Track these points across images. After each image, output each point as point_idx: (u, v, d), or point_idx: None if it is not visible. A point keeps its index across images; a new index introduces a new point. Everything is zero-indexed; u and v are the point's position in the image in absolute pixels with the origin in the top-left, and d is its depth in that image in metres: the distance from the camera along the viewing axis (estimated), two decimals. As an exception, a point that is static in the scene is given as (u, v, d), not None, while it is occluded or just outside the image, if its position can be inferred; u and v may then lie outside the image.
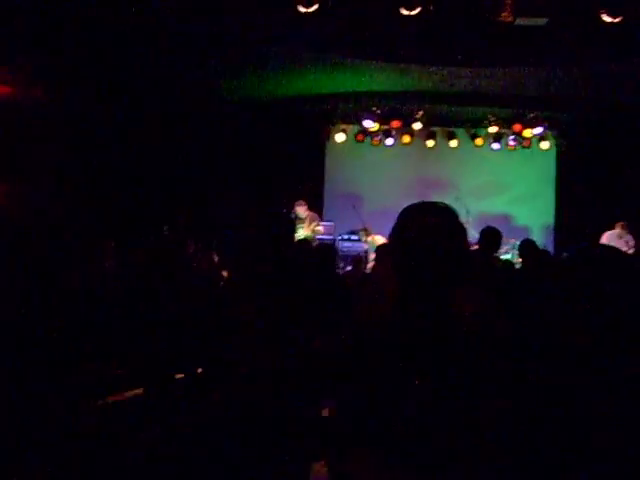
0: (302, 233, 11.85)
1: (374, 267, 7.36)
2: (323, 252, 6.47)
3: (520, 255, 7.85)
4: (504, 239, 12.78)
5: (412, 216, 2.44)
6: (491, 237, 6.55)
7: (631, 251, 11.33)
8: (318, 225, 12.35)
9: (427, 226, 2.34)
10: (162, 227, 10.06)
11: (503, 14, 8.15)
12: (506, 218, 14.82)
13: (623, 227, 12.12)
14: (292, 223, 4.71)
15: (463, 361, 2.32)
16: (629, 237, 12.09)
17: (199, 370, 4.29)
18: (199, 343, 4.08)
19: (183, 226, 10.39)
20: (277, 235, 4.14)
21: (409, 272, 2.36)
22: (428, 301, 2.37)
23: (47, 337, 4.68)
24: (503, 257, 12.42)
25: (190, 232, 9.61)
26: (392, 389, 2.39)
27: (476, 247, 6.97)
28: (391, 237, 2.51)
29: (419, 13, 8.33)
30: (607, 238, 12.19)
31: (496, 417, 2.42)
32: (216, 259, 8.45)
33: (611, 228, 12.30)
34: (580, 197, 14.02)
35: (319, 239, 12.46)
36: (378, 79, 11.84)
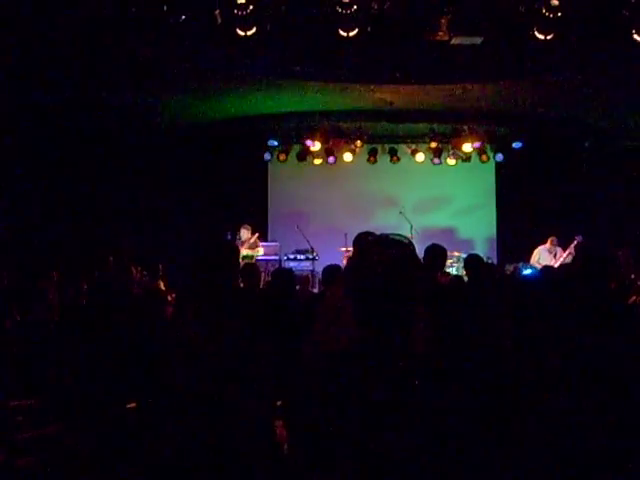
0: (242, 253, 11.80)
1: (325, 290, 7.36)
2: (280, 276, 6.47)
3: (466, 271, 7.93)
4: (448, 253, 13.02)
5: (372, 249, 2.47)
6: (436, 254, 6.59)
7: (558, 263, 11.61)
8: (255, 242, 12.31)
9: (388, 259, 2.37)
10: (106, 257, 9.94)
11: (439, 34, 8.29)
12: (450, 231, 15.02)
13: (552, 242, 12.48)
14: (234, 248, 4.70)
15: (423, 391, 2.35)
16: (558, 250, 12.43)
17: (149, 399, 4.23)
18: (148, 370, 4.04)
19: (128, 255, 10.28)
20: (219, 260, 4.13)
21: (370, 304, 2.38)
22: (387, 332, 2.39)
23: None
24: (448, 270, 12.58)
25: (135, 260, 9.53)
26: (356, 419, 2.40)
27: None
28: (350, 269, 2.54)
29: (357, 34, 8.41)
30: (538, 252, 12.55)
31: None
32: (162, 286, 8.38)
33: (544, 242, 12.63)
34: (519, 209, 14.31)
35: (264, 260, 12.46)
36: (319, 99, 11.91)
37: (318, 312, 5.02)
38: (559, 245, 12.49)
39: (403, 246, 2.56)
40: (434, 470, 2.38)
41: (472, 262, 7.46)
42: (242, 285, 6.14)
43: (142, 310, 5.74)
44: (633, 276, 9.49)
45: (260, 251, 12.14)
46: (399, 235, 2.61)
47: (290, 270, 7.69)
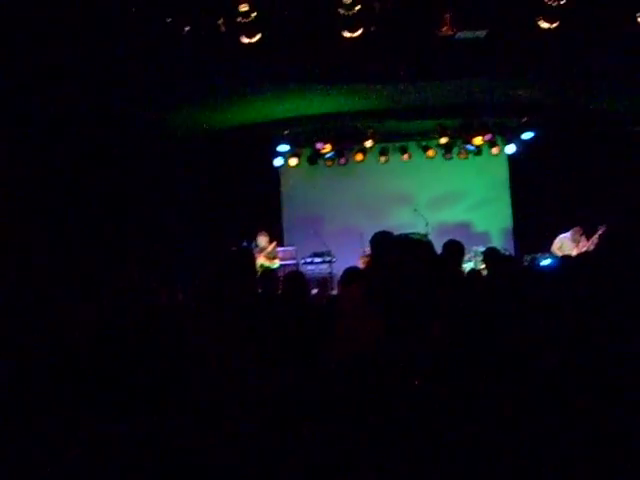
0: (259, 260, 11.79)
1: (342, 292, 7.35)
2: (293, 280, 6.47)
3: (485, 264, 7.90)
4: (465, 248, 12.98)
5: (393, 249, 2.48)
6: (454, 250, 6.58)
7: (578, 252, 11.54)
8: (271, 246, 12.28)
9: (411, 260, 2.38)
10: (126, 267, 9.97)
11: (443, 29, 8.27)
12: (465, 226, 14.99)
13: (576, 231, 12.35)
14: (249, 255, 4.70)
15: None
16: (582, 239, 12.32)
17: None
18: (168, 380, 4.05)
19: (144, 265, 10.30)
20: (235, 270, 4.14)
21: (395, 305, 2.40)
22: (409, 332, 2.40)
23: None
24: (466, 265, 12.56)
25: (152, 270, 9.55)
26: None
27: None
28: (372, 271, 2.55)
29: (361, 34, 8.41)
30: (561, 241, 12.44)
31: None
32: (180, 297, 8.38)
33: (567, 230, 12.51)
34: (535, 199, 14.23)
35: (283, 265, 12.47)
36: (327, 101, 11.92)
37: (336, 314, 5.02)
38: (585, 236, 12.37)
39: (424, 245, 2.57)
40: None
41: (490, 255, 7.45)
42: (260, 292, 6.16)
43: (169, 325, 5.75)
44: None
45: (277, 263, 12.11)
46: (417, 234, 2.62)
47: (300, 273, 7.69)
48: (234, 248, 12.83)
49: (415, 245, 2.50)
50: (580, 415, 3.34)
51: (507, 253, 13.11)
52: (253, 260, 4.72)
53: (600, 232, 11.83)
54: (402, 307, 2.52)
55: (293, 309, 5.96)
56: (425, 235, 12.21)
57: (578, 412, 3.32)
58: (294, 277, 6.66)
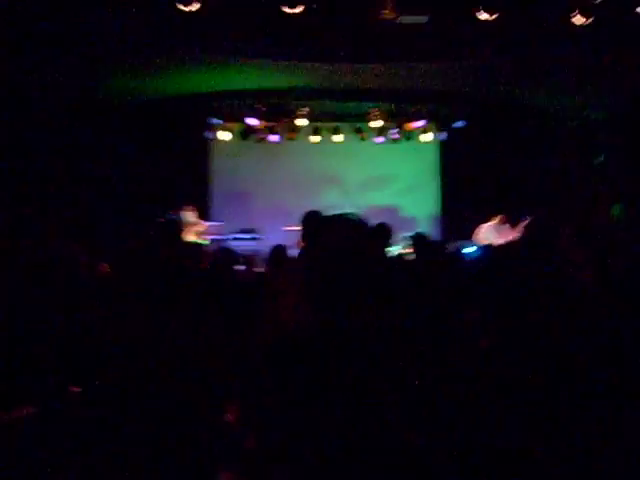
0: (187, 236, 11.56)
1: (271, 270, 7.27)
2: (221, 255, 6.38)
3: (413, 249, 7.93)
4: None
5: (328, 229, 2.43)
6: (383, 233, 6.57)
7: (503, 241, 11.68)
8: (200, 225, 12.04)
9: (344, 239, 2.33)
10: (46, 237, 9.63)
11: (385, 12, 8.24)
12: (393, 210, 15.07)
13: (501, 220, 12.46)
14: (177, 226, 4.58)
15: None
16: (506, 229, 12.45)
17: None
18: (92, 354, 3.92)
19: (68, 235, 9.99)
20: (161, 242, 4.04)
21: (327, 286, 2.34)
22: (345, 311, 2.36)
23: None
24: (392, 249, 12.63)
25: (75, 241, 9.25)
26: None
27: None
28: (304, 252, 2.49)
29: (302, 11, 8.30)
30: (483, 229, 12.57)
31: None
32: (104, 269, 8.15)
33: (489, 220, 12.66)
34: (463, 188, 14.40)
35: (211, 239, 12.30)
36: (262, 77, 11.76)
37: (265, 295, 4.96)
38: (510, 224, 12.51)
39: (358, 225, 2.52)
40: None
41: (419, 240, 7.47)
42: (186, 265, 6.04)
43: (90, 293, 5.58)
44: (573, 253, 9.61)
45: (207, 241, 11.86)
46: (351, 214, 2.57)
47: (230, 249, 7.59)
48: (162, 219, 12.64)
49: (350, 224, 2.44)
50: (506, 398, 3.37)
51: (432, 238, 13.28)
52: (180, 232, 4.61)
53: (525, 223, 11.97)
54: (339, 289, 2.46)
55: (219, 284, 5.87)
56: (358, 216, 12.19)
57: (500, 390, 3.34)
58: (223, 252, 6.57)
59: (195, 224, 11.84)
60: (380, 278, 4.70)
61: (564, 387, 3.55)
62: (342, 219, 2.55)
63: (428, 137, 14.71)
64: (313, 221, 4.65)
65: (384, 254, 6.42)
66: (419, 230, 14.03)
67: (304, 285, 2.70)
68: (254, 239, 12.98)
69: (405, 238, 13.27)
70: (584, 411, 3.10)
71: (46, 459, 3.17)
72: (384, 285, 4.56)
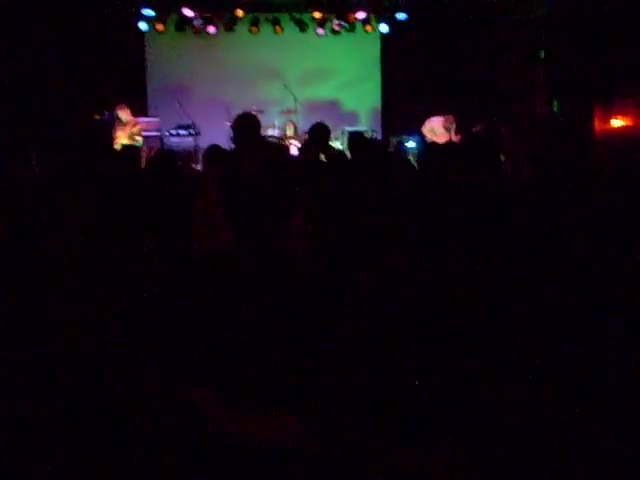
0: (121, 138, 11.22)
1: (205, 170, 7.15)
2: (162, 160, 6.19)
3: (350, 149, 7.86)
4: (331, 126, 12.91)
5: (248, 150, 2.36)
6: (319, 133, 6.49)
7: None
8: (135, 127, 11.62)
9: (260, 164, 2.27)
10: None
11: None
12: (334, 103, 14.90)
13: (449, 120, 12.30)
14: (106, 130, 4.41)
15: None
16: (453, 129, 12.37)
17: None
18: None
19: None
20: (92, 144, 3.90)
21: (243, 208, 2.30)
22: (258, 235, 2.32)
23: None
24: (333, 144, 12.55)
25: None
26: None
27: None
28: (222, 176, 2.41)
29: None
30: (432, 123, 12.44)
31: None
32: (36, 170, 7.93)
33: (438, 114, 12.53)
34: (404, 82, 14.22)
35: (145, 136, 12.00)
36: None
37: (198, 194, 4.86)
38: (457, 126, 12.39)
39: (275, 148, 2.46)
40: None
41: (355, 139, 7.39)
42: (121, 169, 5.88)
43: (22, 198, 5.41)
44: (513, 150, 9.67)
45: (139, 141, 11.46)
46: (271, 137, 2.50)
47: (172, 152, 7.41)
48: (97, 117, 12.26)
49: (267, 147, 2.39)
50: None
51: (374, 135, 13.21)
52: (109, 135, 4.46)
53: (475, 129, 11.92)
54: (252, 210, 2.42)
55: (158, 187, 5.74)
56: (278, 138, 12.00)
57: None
58: (163, 157, 6.39)
59: (128, 123, 11.44)
60: (308, 178, 4.65)
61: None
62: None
63: (369, 29, 14.42)
64: (240, 126, 4.54)
65: (316, 152, 6.36)
66: (359, 125, 14.07)
67: (223, 206, 2.64)
68: (192, 135, 12.71)
69: (345, 133, 13.23)
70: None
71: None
72: (313, 189, 4.51)
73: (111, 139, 10.30)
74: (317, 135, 6.33)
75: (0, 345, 3.11)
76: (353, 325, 2.68)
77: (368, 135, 12.46)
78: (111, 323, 2.99)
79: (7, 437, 2.56)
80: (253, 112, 12.12)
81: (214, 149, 6.48)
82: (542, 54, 13.27)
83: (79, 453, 2.44)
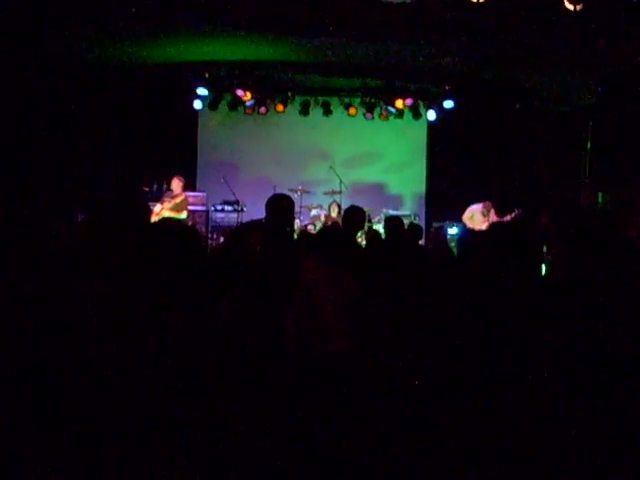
0: (164, 209, 11.37)
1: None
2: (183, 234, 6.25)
3: (385, 230, 7.88)
4: (376, 209, 13.06)
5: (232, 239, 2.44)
6: (354, 216, 6.56)
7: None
8: (179, 198, 11.74)
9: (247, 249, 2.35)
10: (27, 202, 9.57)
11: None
12: (379, 187, 15.08)
13: (486, 206, 12.38)
14: (142, 207, 4.49)
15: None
16: (492, 215, 12.42)
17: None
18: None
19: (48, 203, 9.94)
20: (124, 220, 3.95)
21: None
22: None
23: None
24: (376, 226, 12.66)
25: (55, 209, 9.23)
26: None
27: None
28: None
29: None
30: (472, 212, 12.52)
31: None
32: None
33: (478, 202, 12.59)
34: (450, 168, 14.35)
35: (192, 210, 12.23)
36: (251, 48, 11.65)
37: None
38: (495, 213, 12.44)
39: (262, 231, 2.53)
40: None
41: (391, 223, 7.38)
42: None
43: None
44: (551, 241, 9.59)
45: (184, 215, 11.60)
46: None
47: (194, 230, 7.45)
48: (146, 189, 12.55)
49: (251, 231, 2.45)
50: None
51: (416, 219, 13.28)
52: (146, 211, 4.53)
53: (514, 214, 11.94)
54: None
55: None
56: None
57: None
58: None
59: (176, 196, 11.64)
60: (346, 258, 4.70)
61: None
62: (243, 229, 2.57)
63: (416, 115, 14.66)
64: (274, 204, 4.63)
65: (353, 234, 6.42)
66: (403, 209, 14.18)
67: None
68: (237, 211, 12.93)
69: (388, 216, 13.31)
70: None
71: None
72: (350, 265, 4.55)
73: (149, 212, 10.39)
74: (351, 218, 6.40)
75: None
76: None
77: (410, 220, 12.54)
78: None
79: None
80: (299, 192, 12.69)
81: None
82: (589, 144, 13.30)
83: None
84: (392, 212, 13.48)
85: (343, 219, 6.58)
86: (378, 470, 2.66)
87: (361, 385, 2.92)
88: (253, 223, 2.69)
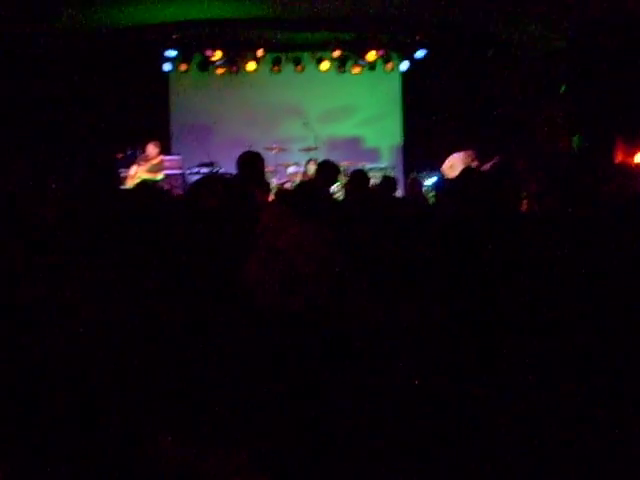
0: (140, 172, 11.30)
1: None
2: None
3: (348, 185, 7.79)
4: (352, 164, 13.02)
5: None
6: (326, 170, 6.54)
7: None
8: (156, 159, 11.65)
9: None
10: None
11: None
12: (355, 141, 15.01)
13: (469, 155, 12.26)
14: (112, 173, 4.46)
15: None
16: (474, 165, 12.33)
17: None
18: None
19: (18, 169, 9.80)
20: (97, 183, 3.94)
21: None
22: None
23: None
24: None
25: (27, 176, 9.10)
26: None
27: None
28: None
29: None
30: (452, 160, 12.41)
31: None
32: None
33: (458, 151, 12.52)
34: (425, 118, 14.28)
35: (167, 174, 12.15)
36: (218, 6, 11.49)
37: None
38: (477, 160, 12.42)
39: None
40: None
41: (355, 177, 7.30)
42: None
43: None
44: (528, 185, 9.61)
45: (160, 176, 11.56)
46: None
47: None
48: (120, 155, 12.41)
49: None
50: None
51: (393, 172, 13.23)
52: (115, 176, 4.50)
53: (493, 162, 11.92)
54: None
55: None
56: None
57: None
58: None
59: (151, 158, 11.57)
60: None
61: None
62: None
63: (389, 67, 14.53)
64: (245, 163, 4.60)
65: (327, 189, 6.41)
66: (380, 162, 14.12)
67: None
68: (213, 172, 12.81)
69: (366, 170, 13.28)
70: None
71: None
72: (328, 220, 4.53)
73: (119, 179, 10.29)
74: (323, 171, 6.38)
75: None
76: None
77: (384, 172, 12.54)
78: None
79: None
80: (274, 150, 12.61)
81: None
82: (562, 88, 13.24)
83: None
84: (369, 166, 13.44)
85: (315, 173, 6.56)
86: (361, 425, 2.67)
87: (334, 339, 2.91)
88: (209, 177, 2.68)
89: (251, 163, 4.65)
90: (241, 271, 2.55)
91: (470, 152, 12.26)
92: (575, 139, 12.30)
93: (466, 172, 5.48)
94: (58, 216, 4.00)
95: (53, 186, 8.80)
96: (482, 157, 12.18)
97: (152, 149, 11.60)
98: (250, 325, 2.46)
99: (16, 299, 3.18)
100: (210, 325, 2.41)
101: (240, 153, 5.41)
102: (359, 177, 6.98)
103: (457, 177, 8.87)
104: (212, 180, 2.59)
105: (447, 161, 12.40)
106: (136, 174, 11.04)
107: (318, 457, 2.36)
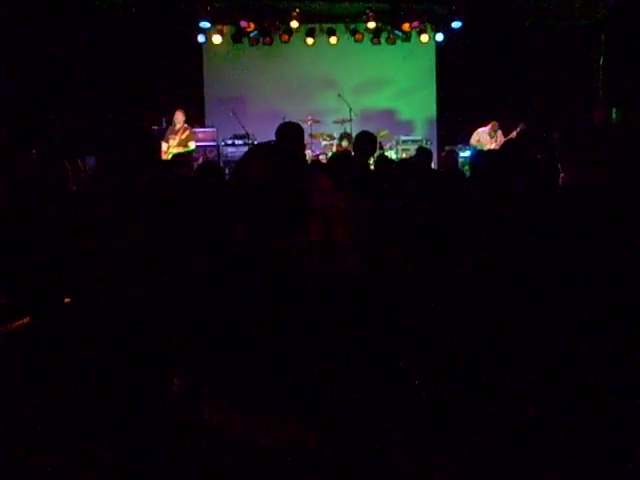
0: (172, 146, 11.28)
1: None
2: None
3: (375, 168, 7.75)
4: (388, 134, 12.98)
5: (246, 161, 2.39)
6: (364, 141, 6.49)
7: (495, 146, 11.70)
8: (185, 133, 11.60)
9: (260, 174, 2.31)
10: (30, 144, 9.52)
11: None
12: (389, 113, 14.90)
13: (493, 126, 12.36)
14: (149, 139, 4.45)
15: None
16: (499, 134, 12.34)
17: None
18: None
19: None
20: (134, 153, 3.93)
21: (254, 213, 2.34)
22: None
23: None
24: (389, 153, 12.58)
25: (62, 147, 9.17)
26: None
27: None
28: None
29: None
30: (478, 134, 12.45)
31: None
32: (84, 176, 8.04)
33: (486, 124, 12.50)
34: (459, 90, 14.12)
35: (202, 146, 12.18)
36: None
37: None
38: (501, 129, 12.41)
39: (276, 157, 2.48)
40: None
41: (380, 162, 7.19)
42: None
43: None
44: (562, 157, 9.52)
45: (192, 146, 11.51)
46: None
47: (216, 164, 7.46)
48: (154, 127, 12.44)
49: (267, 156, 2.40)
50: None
51: (429, 144, 13.15)
52: (156, 144, 4.51)
53: (518, 129, 11.89)
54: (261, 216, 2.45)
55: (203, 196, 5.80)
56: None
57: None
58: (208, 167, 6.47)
59: (180, 130, 11.48)
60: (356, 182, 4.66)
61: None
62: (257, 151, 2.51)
63: (424, 38, 14.38)
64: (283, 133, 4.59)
65: (365, 160, 6.38)
66: (416, 134, 14.04)
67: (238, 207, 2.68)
68: (248, 144, 12.82)
69: (400, 142, 13.25)
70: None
71: (40, 367, 3.19)
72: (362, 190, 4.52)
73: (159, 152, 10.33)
74: (362, 143, 6.34)
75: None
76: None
77: (424, 142, 12.58)
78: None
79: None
80: (309, 122, 12.57)
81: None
82: (601, 60, 13.04)
83: (81, 450, 2.49)
84: (403, 138, 13.39)
85: (354, 145, 6.52)
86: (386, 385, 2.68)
87: (373, 306, 2.92)
88: (258, 147, 2.67)
89: (293, 134, 4.63)
90: (289, 239, 2.56)
91: (493, 123, 12.30)
92: (614, 113, 12.11)
93: (505, 144, 5.42)
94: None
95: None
96: (505, 126, 12.18)
97: (179, 117, 11.51)
98: (296, 291, 2.47)
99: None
100: (259, 291, 2.43)
101: (275, 125, 5.40)
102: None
103: (500, 149, 8.80)
104: (264, 149, 2.58)
105: (474, 134, 12.43)
106: (168, 150, 11.06)
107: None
